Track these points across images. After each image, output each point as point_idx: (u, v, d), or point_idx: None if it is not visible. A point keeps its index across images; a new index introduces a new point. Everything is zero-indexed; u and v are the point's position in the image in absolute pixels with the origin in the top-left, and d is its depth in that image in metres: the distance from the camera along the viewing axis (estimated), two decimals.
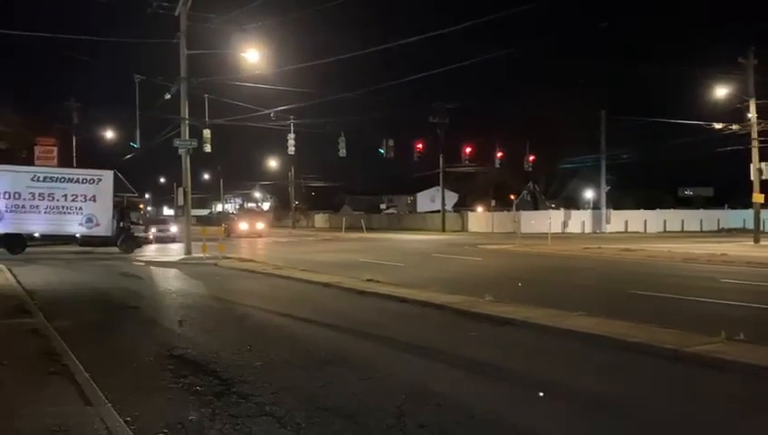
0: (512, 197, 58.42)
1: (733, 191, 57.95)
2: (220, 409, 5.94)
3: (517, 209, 45.25)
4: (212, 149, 29.40)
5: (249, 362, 7.85)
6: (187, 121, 26.43)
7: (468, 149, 50.24)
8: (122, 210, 29.95)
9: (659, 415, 5.96)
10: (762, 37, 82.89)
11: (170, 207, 75.97)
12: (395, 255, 27.06)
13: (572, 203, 62.18)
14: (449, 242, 38.55)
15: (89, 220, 27.38)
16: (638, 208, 56.70)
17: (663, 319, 9.98)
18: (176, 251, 28.12)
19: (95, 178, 27.96)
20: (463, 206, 71.71)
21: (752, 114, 31.84)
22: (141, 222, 32.13)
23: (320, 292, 15.08)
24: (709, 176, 70.59)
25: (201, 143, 28.58)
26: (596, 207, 54.36)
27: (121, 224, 28.88)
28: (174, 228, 38.66)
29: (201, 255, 24.96)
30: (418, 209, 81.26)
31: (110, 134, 45.52)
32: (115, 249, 28.10)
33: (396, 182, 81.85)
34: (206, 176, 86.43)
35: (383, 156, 41.95)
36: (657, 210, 56.51)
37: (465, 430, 5.49)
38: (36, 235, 27.62)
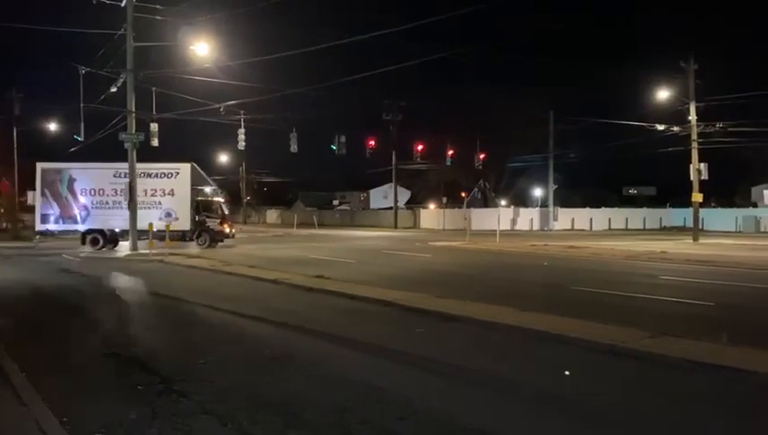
0: (463, 194, 59.13)
1: (674, 191, 59.97)
2: (160, 408, 5.85)
3: (468, 207, 45.76)
4: (159, 143, 28.86)
5: (192, 361, 7.76)
6: (133, 114, 25.86)
7: (420, 147, 50.58)
8: (198, 203, 28.86)
9: (599, 406, 6.16)
10: (702, 43, 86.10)
11: None
12: (346, 251, 27.06)
13: (522, 201, 63.29)
14: (401, 239, 38.75)
15: (168, 214, 27.01)
16: (585, 207, 58.13)
17: (603, 315, 10.30)
18: (123, 247, 27.47)
19: (173, 171, 27.81)
20: (415, 203, 72.13)
21: (692, 116, 33.07)
22: (220, 215, 29.81)
23: (268, 289, 14.99)
24: (652, 175, 73.08)
25: (148, 137, 28.01)
26: (544, 205, 55.49)
27: (197, 217, 28.16)
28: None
29: (147, 251, 24.47)
30: (371, 206, 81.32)
31: (53, 126, 44.11)
32: (59, 244, 27.31)
33: (349, 179, 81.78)
34: None
35: (335, 152, 41.84)
36: (603, 208, 58.05)
37: (407, 425, 5.54)
38: (117, 230, 27.28)
